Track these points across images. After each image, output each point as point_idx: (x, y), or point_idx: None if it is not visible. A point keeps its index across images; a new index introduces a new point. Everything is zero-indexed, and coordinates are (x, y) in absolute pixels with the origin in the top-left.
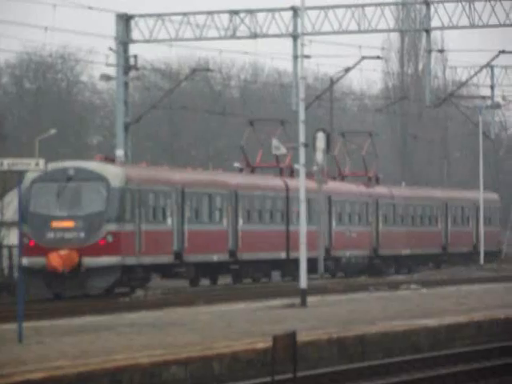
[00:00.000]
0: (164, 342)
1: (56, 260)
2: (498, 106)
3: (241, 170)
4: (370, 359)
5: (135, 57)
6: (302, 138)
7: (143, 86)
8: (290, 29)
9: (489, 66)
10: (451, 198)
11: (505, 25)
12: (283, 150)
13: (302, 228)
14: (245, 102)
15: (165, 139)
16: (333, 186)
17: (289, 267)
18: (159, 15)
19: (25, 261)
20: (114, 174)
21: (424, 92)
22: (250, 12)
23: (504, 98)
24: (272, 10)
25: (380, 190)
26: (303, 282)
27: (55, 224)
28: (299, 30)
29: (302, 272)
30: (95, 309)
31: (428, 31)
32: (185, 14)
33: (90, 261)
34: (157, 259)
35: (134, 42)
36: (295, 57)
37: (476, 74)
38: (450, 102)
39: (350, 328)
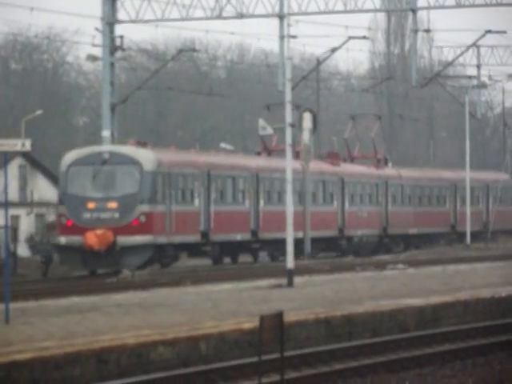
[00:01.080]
0: (151, 322)
1: (92, 239)
2: (484, 85)
3: (259, 154)
4: (357, 339)
5: (121, 37)
6: (288, 119)
7: (129, 66)
8: (277, 9)
9: (475, 45)
10: (460, 178)
11: (491, 4)
12: (270, 131)
13: (289, 209)
14: (231, 83)
15: (151, 120)
16: (345, 168)
17: (303, 246)
18: None
19: (63, 239)
20: (146, 157)
21: (410, 72)
22: None
23: (490, 77)
24: None
25: (389, 171)
26: (290, 262)
27: (92, 205)
28: (285, 10)
29: (289, 252)
30: (82, 289)
31: (414, 11)
32: None
33: (124, 240)
34: (185, 238)
35: (120, 22)
36: (281, 37)
37: (462, 53)
38: (436, 81)
39: (337, 308)
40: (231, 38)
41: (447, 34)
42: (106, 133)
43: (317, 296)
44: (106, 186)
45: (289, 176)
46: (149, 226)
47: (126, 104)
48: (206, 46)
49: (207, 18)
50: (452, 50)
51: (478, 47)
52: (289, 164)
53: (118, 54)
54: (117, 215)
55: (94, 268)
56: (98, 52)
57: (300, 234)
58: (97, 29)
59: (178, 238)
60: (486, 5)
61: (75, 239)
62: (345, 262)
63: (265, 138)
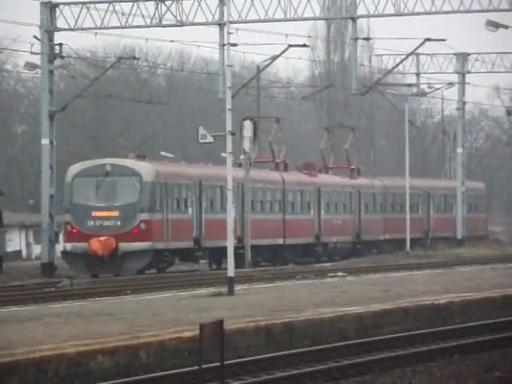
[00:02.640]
0: (90, 331)
1: (96, 245)
2: (423, 93)
3: (240, 165)
4: (298, 347)
5: (60, 45)
6: (228, 127)
7: (69, 74)
8: (216, 17)
9: (414, 53)
10: (433, 187)
11: (430, 12)
12: (210, 139)
13: (230, 216)
14: (171, 91)
15: (91, 128)
16: (321, 178)
17: (285, 252)
18: (84, 3)
19: (68, 246)
20: (145, 169)
21: (350, 80)
22: (176, 0)
23: (429, 85)
24: None
25: (362, 181)
26: (230, 270)
27: (95, 214)
28: (225, 18)
29: (230, 260)
30: (21, 299)
31: (354, 19)
32: (110, 2)
33: (125, 246)
34: (180, 244)
35: (59, 30)
36: (221, 45)
37: (402, 61)
38: (375, 89)
39: (278, 316)
40: (171, 46)
41: (387, 42)
42: (45, 141)
43: (257, 304)
44: (108, 196)
45: (229, 184)
46: (148, 232)
47: (66, 112)
48: (146, 54)
49: (147, 26)
50: (392, 58)
51: (418, 55)
52: (230, 173)
53: (57, 61)
54: (119, 223)
55: (98, 272)
56: (36, 60)
57: (280, 241)
58: (35, 37)
59: (173, 244)
60: (425, 13)
61: (80, 245)
62: (285, 270)
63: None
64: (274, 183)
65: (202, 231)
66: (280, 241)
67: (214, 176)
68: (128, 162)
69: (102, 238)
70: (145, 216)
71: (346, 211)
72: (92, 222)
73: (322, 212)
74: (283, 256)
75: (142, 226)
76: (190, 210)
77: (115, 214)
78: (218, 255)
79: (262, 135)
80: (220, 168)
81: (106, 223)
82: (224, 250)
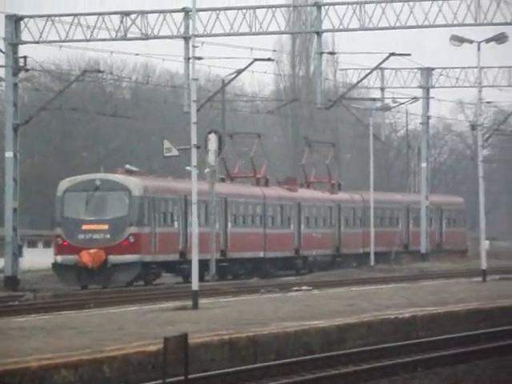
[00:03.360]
0: (54, 345)
1: (86, 257)
2: (388, 108)
3: (222, 180)
4: (262, 360)
5: (25, 58)
6: (193, 140)
7: (33, 87)
8: (182, 30)
9: (379, 68)
10: (413, 201)
11: (395, 27)
12: (175, 152)
13: (194, 230)
14: (136, 104)
15: (55, 141)
16: (302, 193)
17: (265, 265)
18: (49, 16)
19: (59, 258)
20: (134, 184)
21: (315, 94)
22: (141, 13)
23: (394, 100)
24: (163, 12)
25: (342, 195)
26: (195, 283)
27: (85, 227)
28: (190, 32)
29: (194, 273)
30: None
31: (319, 33)
32: (75, 15)
33: (115, 258)
34: (167, 257)
35: (23, 43)
36: (187, 58)
37: (366, 76)
38: (340, 104)
39: (242, 330)
40: (136, 59)
41: (352, 57)
42: (8, 154)
43: (222, 318)
44: (98, 210)
45: (194, 198)
46: (137, 245)
47: (30, 125)
48: (111, 67)
49: (112, 39)
50: (356, 73)
51: (382, 70)
52: (194, 186)
53: (22, 74)
54: (108, 236)
55: (88, 284)
56: (1, 73)
57: (261, 254)
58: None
59: (161, 257)
60: (390, 27)
61: (70, 258)
62: (250, 284)
63: (227, 164)
64: (254, 198)
65: (187, 244)
66: (261, 254)
67: (199, 191)
68: (117, 177)
69: (91, 251)
70: (134, 229)
71: (326, 225)
72: (82, 235)
73: (302, 226)
74: (264, 269)
75: (131, 239)
76: (176, 223)
77: (105, 227)
78: (201, 268)
79: (242, 151)
80: (203, 183)
81: (96, 236)
82: (207, 262)
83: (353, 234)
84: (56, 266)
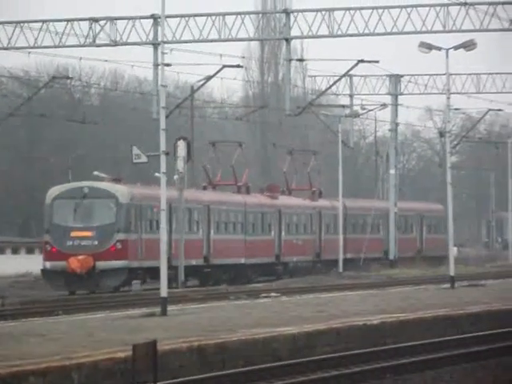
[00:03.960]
0: (22, 352)
1: (75, 263)
2: (356, 114)
3: (204, 188)
4: (231, 367)
5: None
6: (162, 147)
7: (1, 93)
8: (151, 37)
9: (348, 75)
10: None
11: (364, 34)
12: (144, 159)
13: (162, 236)
14: (105, 110)
15: (23, 147)
16: (282, 200)
17: (246, 271)
18: (18, 22)
19: (48, 264)
20: (121, 192)
21: (284, 101)
22: (110, 20)
23: (362, 106)
24: (132, 18)
25: (323, 202)
26: (163, 290)
27: (74, 234)
28: (159, 38)
29: (163, 280)
30: None
31: (288, 40)
32: (44, 22)
33: (102, 264)
34: (152, 263)
35: None
36: (156, 65)
37: (335, 83)
38: (309, 110)
39: (211, 336)
40: (105, 65)
41: (321, 64)
42: None
43: (190, 324)
44: (86, 217)
45: (163, 204)
46: (124, 251)
47: None
48: (80, 73)
49: (81, 46)
50: (325, 79)
51: (351, 76)
52: (163, 193)
53: None
54: (96, 242)
55: (76, 289)
56: None
57: (242, 261)
58: None
59: (146, 263)
60: (359, 34)
61: (59, 264)
62: (219, 291)
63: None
64: (236, 205)
65: (171, 250)
66: (242, 260)
67: (184, 199)
68: (104, 185)
69: (80, 257)
70: (121, 236)
71: (307, 232)
72: (71, 242)
73: (283, 233)
74: (245, 275)
75: (118, 245)
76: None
77: (93, 234)
78: (185, 274)
79: (223, 159)
80: (189, 191)
81: (84, 243)
82: (190, 268)
83: (334, 241)
84: (45, 271)
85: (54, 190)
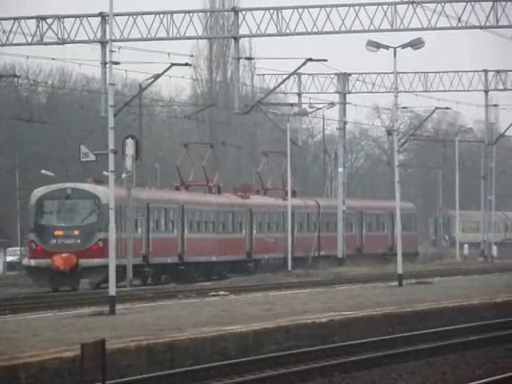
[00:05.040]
0: None
1: (59, 261)
2: (305, 113)
3: (177, 188)
4: (180, 366)
5: None
6: (111, 145)
7: None
8: (99, 35)
9: (296, 73)
10: (366, 207)
11: (312, 33)
12: (92, 157)
13: (111, 236)
14: (52, 109)
15: None
16: (254, 200)
17: (218, 268)
18: None
19: (33, 262)
20: (103, 192)
21: (232, 99)
22: (58, 18)
23: (311, 105)
24: (80, 16)
25: (296, 201)
26: (112, 289)
27: (57, 233)
28: (107, 37)
29: (111, 279)
30: None
31: (236, 39)
32: None
33: (85, 262)
34: (131, 260)
35: None
36: (104, 63)
37: (283, 81)
38: (258, 109)
39: (159, 335)
40: (52, 64)
41: (269, 62)
42: None
43: (139, 323)
44: (69, 217)
45: (111, 203)
46: (105, 250)
47: None
48: (27, 72)
49: (28, 44)
50: (274, 78)
51: (299, 75)
52: (111, 190)
53: None
54: (79, 241)
55: (60, 286)
56: None
57: (214, 258)
58: None
59: (125, 261)
60: (307, 33)
61: (43, 261)
62: (167, 290)
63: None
64: (208, 205)
65: (149, 249)
66: (213, 258)
67: (159, 199)
68: (87, 186)
69: (63, 255)
70: (102, 235)
71: (279, 230)
72: (55, 241)
73: (254, 231)
74: (217, 271)
75: (100, 244)
76: (139, 229)
77: (76, 233)
78: (162, 271)
79: (195, 160)
80: (164, 192)
81: (68, 241)
82: (167, 266)
83: (306, 238)
84: (30, 268)
85: (39, 191)
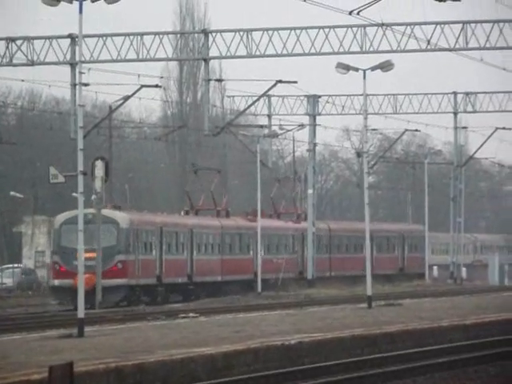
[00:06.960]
0: None
1: None
2: (275, 134)
3: (187, 212)
4: None
5: None
6: (80, 167)
7: None
8: (68, 56)
9: (266, 95)
10: (377, 229)
11: (281, 55)
12: (61, 179)
13: (80, 256)
14: (22, 130)
15: None
16: (261, 223)
17: (224, 288)
18: None
19: (56, 282)
20: (122, 217)
21: (203, 120)
22: (27, 39)
23: (281, 127)
24: (50, 38)
25: (306, 224)
26: (81, 311)
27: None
28: (77, 58)
29: (80, 301)
30: None
31: (206, 60)
32: None
33: (105, 282)
34: (147, 281)
35: None
36: (73, 84)
37: (253, 103)
38: (228, 130)
39: (128, 357)
40: (22, 85)
41: (239, 84)
42: None
43: (108, 346)
44: (90, 240)
45: (80, 225)
46: (124, 271)
47: None
48: None
49: None
50: (244, 100)
51: (269, 97)
52: (80, 212)
53: None
54: (100, 263)
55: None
56: None
57: (219, 278)
58: None
59: (142, 281)
60: (277, 55)
61: (66, 282)
62: (137, 311)
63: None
64: (214, 228)
65: (162, 269)
66: (219, 278)
67: (172, 223)
68: (106, 212)
69: (85, 275)
70: (122, 257)
71: (288, 251)
72: (77, 262)
73: (262, 252)
74: (223, 291)
75: (119, 265)
76: (154, 251)
77: (97, 255)
78: (172, 290)
79: (205, 185)
80: (176, 217)
81: (89, 263)
82: (177, 285)
83: (318, 259)
84: (53, 288)
85: (62, 216)
